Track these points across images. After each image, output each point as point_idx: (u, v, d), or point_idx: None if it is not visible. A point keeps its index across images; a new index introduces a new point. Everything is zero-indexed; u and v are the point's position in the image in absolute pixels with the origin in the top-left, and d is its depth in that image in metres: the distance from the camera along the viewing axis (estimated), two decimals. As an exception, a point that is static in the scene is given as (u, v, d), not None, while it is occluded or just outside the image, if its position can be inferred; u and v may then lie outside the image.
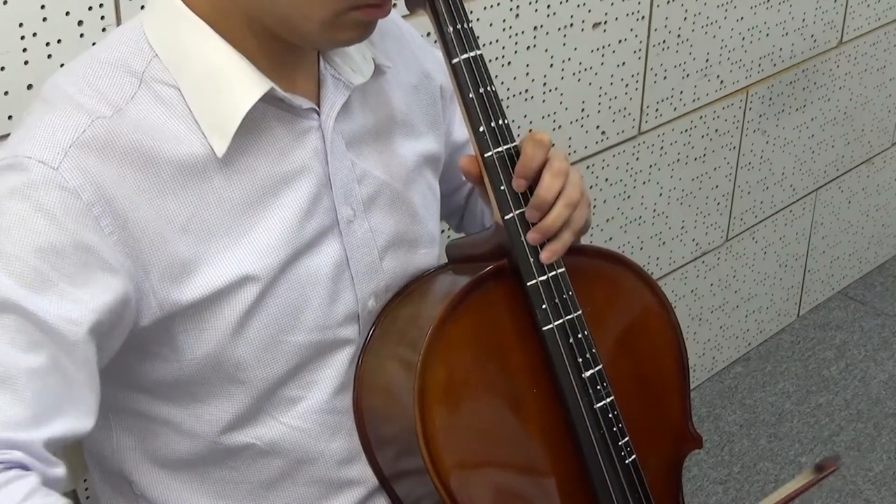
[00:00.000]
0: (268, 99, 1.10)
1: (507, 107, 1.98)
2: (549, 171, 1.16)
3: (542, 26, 1.99)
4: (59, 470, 1.01)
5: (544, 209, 1.16)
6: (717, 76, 2.40)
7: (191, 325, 1.10)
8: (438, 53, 1.35)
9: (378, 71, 1.21)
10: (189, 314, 1.09)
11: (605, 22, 2.10)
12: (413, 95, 1.28)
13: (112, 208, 1.04)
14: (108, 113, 1.06)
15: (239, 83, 1.09)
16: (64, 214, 1.01)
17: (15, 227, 1.01)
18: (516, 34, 1.95)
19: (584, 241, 2.24)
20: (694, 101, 2.37)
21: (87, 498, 1.57)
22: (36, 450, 0.98)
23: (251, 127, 1.10)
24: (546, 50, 2.02)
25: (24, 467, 0.97)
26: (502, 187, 1.16)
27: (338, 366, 1.20)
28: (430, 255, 1.28)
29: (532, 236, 1.16)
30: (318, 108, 1.16)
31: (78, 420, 1.02)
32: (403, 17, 1.50)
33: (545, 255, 1.17)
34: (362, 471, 1.23)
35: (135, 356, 1.11)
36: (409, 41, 1.30)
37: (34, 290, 0.99)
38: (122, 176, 1.04)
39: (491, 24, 1.91)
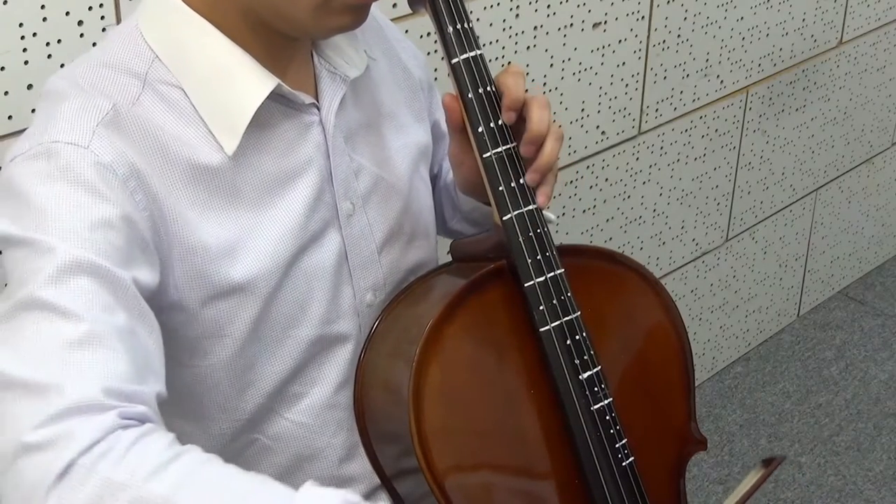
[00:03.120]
0: (272, 95, 1.10)
1: (507, 107, 1.98)
2: (536, 104, 1.16)
3: (542, 26, 1.99)
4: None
5: (539, 142, 1.15)
6: (717, 76, 2.40)
7: (207, 329, 1.10)
8: (414, 46, 1.35)
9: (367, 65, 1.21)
10: (205, 311, 1.10)
11: (605, 22, 2.10)
12: (396, 89, 1.28)
13: (143, 184, 1.04)
14: (121, 107, 1.06)
15: (245, 80, 1.09)
16: (106, 187, 1.01)
17: (61, 207, 0.99)
18: (516, 34, 1.95)
19: (585, 241, 2.25)
20: (694, 101, 2.37)
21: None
22: (153, 404, 0.95)
23: (258, 124, 1.10)
24: (546, 50, 2.02)
25: (150, 420, 0.94)
26: (501, 188, 1.16)
27: (340, 360, 1.20)
28: (426, 248, 1.29)
29: (531, 176, 1.16)
30: (317, 102, 1.16)
31: (161, 384, 1.00)
32: (405, 16, 1.50)
33: (542, 200, 1.17)
34: (363, 467, 1.23)
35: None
36: (387, 35, 1.30)
37: (100, 257, 0.97)
38: (145, 159, 1.05)
39: (491, 24, 1.91)
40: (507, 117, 1.16)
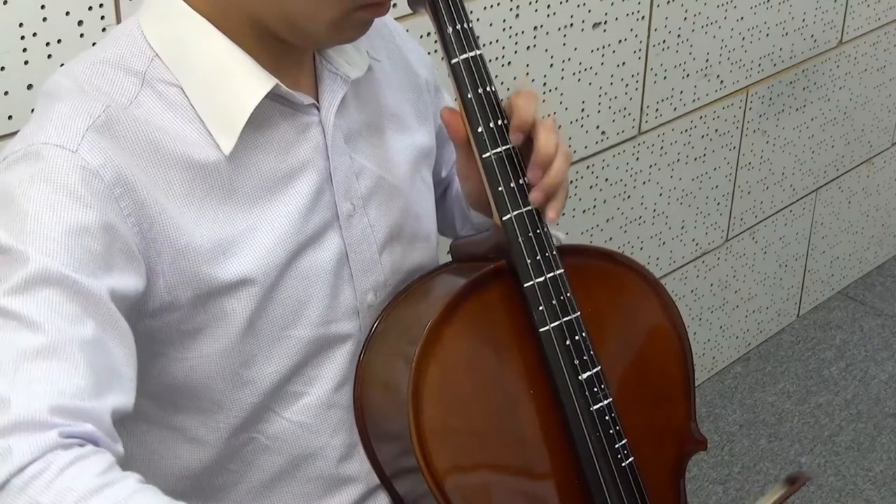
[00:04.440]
0: (271, 95, 1.11)
1: (507, 107, 1.98)
2: (544, 128, 1.16)
3: (542, 26, 1.99)
4: (121, 447, 0.98)
5: (546, 166, 1.15)
6: (717, 76, 2.40)
7: (202, 321, 1.11)
8: (421, 48, 1.35)
9: (368, 66, 1.21)
10: (199, 309, 1.10)
11: (605, 22, 2.10)
12: (400, 90, 1.28)
13: (130, 190, 1.04)
14: (115, 109, 1.06)
15: (243, 80, 1.09)
16: (88, 193, 1.01)
17: (42, 210, 0.99)
18: (516, 34, 1.95)
19: (585, 241, 2.25)
20: (694, 101, 2.37)
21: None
22: (105, 421, 0.95)
23: (256, 124, 1.10)
24: (546, 50, 2.02)
25: (96, 443, 0.94)
26: (500, 188, 1.16)
27: (339, 360, 1.20)
28: (427, 249, 1.28)
29: (535, 195, 1.16)
30: (318, 103, 1.16)
31: (127, 396, 1.00)
32: (405, 16, 1.50)
33: (552, 214, 1.16)
34: (362, 467, 1.23)
35: (148, 357, 1.11)
36: (394, 36, 1.30)
37: (71, 267, 0.97)
38: (136, 162, 1.05)
39: (491, 24, 1.91)
40: (514, 138, 1.16)
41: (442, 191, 1.43)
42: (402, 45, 1.31)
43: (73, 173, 1.01)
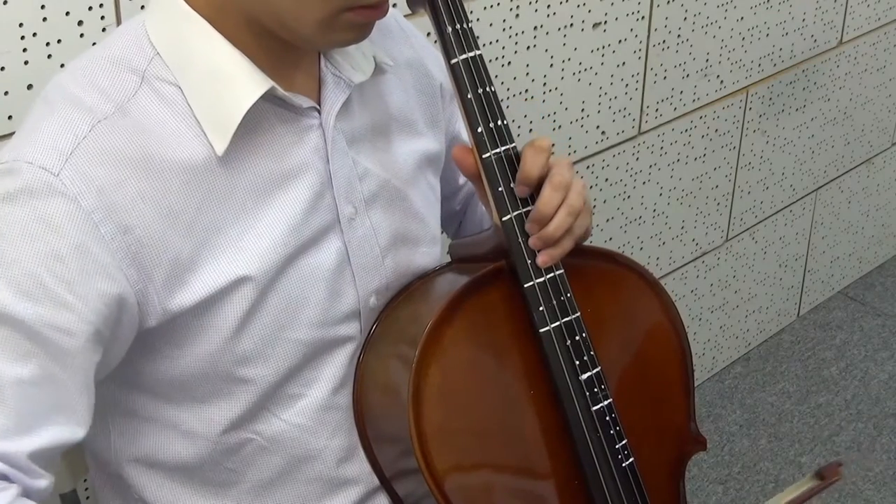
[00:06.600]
0: (268, 98, 1.10)
1: (507, 107, 1.98)
2: (550, 184, 1.15)
3: (542, 26, 1.99)
4: (43, 482, 1.03)
5: (544, 223, 1.15)
6: (717, 76, 2.40)
7: (195, 323, 1.11)
8: (438, 53, 1.35)
9: (378, 69, 1.21)
10: (194, 313, 1.10)
11: (605, 22, 2.10)
12: (413, 94, 1.28)
13: (113, 214, 1.04)
14: (110, 111, 1.06)
15: (240, 82, 1.09)
16: (64, 221, 1.02)
17: (15, 232, 1.01)
18: (516, 34, 1.95)
19: (585, 241, 2.25)
20: (694, 101, 2.37)
21: (87, 498, 1.58)
22: (20, 461, 1.00)
23: (252, 126, 1.10)
24: (546, 50, 2.02)
25: (6, 478, 1.00)
26: (500, 189, 1.16)
27: (339, 363, 1.20)
28: (431, 253, 1.28)
29: (533, 241, 1.16)
30: (319, 106, 1.16)
31: (68, 429, 1.04)
32: (405, 16, 1.50)
33: (541, 259, 1.16)
34: (361, 469, 1.23)
35: (138, 354, 1.12)
36: (409, 39, 1.30)
37: (30, 298, 1.01)
38: (125, 180, 1.05)
39: (491, 24, 1.91)
40: (518, 191, 1.16)
41: (467, 194, 1.43)
42: (419, 48, 1.31)
43: (51, 199, 1.02)
